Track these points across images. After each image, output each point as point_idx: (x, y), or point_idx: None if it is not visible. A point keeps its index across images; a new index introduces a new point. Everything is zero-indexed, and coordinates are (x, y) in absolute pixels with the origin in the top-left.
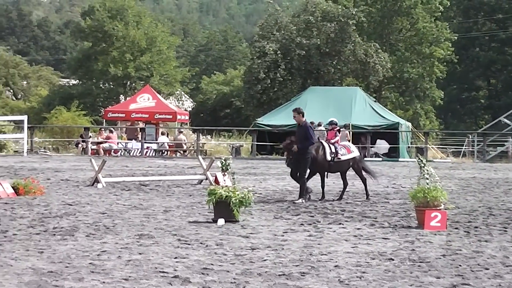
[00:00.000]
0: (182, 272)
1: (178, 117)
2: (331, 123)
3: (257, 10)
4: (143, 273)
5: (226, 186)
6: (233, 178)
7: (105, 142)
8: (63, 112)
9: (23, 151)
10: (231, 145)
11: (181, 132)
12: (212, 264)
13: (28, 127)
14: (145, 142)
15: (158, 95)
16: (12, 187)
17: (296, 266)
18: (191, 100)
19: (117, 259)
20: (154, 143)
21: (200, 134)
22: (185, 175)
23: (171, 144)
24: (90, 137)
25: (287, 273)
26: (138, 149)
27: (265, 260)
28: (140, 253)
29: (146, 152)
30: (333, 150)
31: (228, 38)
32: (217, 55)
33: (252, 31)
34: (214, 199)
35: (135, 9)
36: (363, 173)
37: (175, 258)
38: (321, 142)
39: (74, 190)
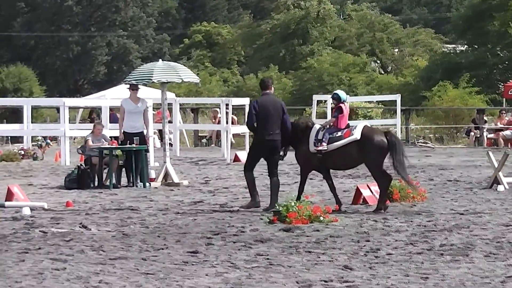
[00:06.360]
0: None
1: None
2: (332, 97)
3: None
4: None
5: None
6: None
7: (507, 128)
8: (449, 89)
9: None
10: None
11: None
12: None
13: (401, 110)
14: None
15: None
16: None
17: None
18: None
19: None
20: None
21: None
22: None
23: None
24: (486, 122)
25: None
26: None
27: None
28: None
29: None
30: (320, 137)
31: None
32: None
33: None
34: None
35: None
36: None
37: None
38: (309, 127)
39: (466, 195)
